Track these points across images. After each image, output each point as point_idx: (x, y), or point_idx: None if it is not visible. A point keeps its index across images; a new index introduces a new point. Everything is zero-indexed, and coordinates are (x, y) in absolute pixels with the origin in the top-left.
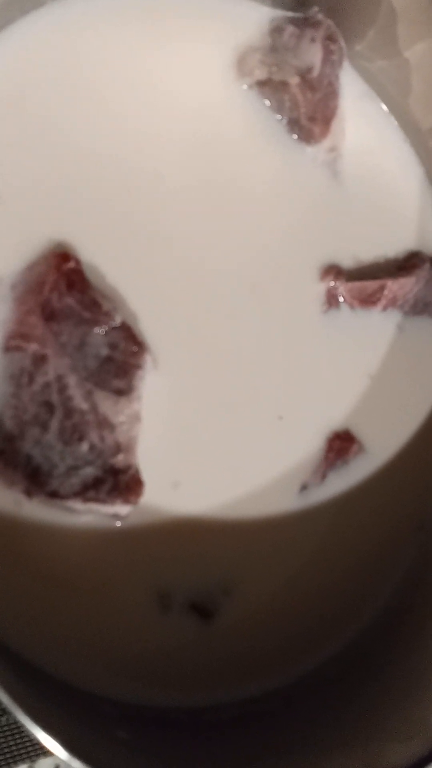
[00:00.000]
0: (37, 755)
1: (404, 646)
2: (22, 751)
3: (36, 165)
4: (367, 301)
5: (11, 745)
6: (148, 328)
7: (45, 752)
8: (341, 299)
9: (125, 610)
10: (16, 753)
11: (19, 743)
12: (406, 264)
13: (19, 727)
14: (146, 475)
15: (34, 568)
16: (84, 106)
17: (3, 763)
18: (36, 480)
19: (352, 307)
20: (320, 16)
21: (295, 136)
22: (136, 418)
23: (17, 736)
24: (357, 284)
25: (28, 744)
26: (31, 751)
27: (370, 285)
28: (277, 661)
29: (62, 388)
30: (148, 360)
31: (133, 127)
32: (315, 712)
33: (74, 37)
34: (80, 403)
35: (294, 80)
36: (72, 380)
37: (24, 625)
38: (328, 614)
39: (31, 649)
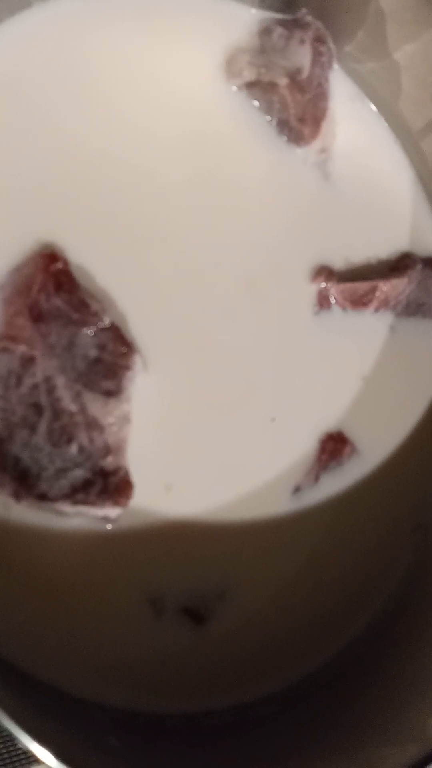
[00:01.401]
0: (30, 763)
1: (401, 651)
2: (15, 759)
3: (23, 165)
4: (359, 302)
5: (3, 753)
6: (138, 328)
7: (36, 760)
8: (333, 300)
9: (116, 615)
10: (8, 761)
11: (4, 753)
12: (398, 265)
13: (9, 735)
14: (137, 478)
15: (23, 572)
16: (72, 106)
17: None
18: (24, 482)
19: (343, 308)
20: (309, 18)
21: (285, 138)
22: (125, 419)
23: (10, 744)
24: (348, 285)
25: (13, 752)
26: (24, 758)
27: (362, 286)
28: (272, 666)
29: (51, 390)
30: (137, 361)
31: (123, 128)
32: (311, 718)
33: (63, 38)
34: (69, 404)
35: (283, 81)
36: (60, 381)
37: (12, 630)
38: (323, 618)
39: (20, 654)
